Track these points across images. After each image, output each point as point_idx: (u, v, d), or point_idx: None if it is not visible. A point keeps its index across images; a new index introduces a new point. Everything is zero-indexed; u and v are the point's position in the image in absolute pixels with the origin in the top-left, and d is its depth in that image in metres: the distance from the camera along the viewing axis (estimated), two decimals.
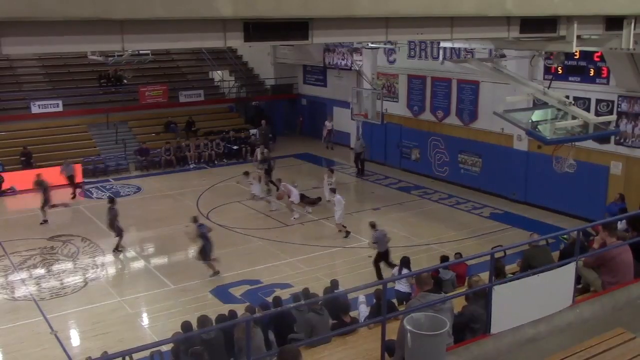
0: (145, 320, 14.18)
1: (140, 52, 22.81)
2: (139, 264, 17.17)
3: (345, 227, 18.33)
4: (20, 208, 20.09)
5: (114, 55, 23.53)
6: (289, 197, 20.11)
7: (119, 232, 17.41)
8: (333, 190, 19.30)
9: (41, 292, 15.17)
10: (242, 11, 8.04)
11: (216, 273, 15.71)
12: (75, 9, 6.96)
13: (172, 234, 18.41)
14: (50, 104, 27.54)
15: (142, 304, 14.67)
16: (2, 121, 26.22)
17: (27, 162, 24.78)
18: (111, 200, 17.77)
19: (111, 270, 16.98)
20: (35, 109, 27.16)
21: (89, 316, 14.06)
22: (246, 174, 21.56)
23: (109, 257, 17.46)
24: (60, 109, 27.59)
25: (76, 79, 29.65)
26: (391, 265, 14.92)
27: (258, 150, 24.78)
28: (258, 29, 8.46)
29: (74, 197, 22.64)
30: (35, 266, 16.68)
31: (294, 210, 20.28)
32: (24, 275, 16.25)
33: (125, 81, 30.02)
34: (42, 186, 19.79)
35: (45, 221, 19.66)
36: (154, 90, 29.60)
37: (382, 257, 15.12)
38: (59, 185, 22.17)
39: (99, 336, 12.88)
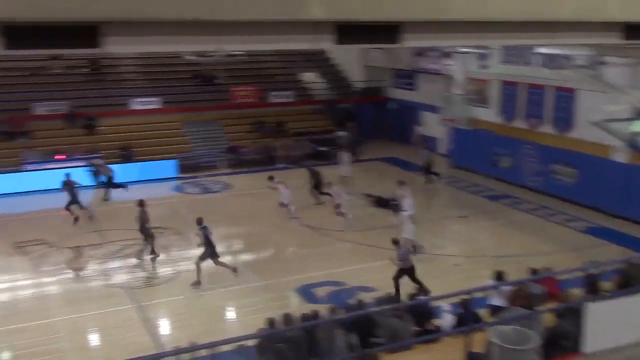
0: (230, 314, 14.59)
1: (234, 52, 23.48)
2: (226, 259, 17.59)
3: (414, 245, 16.73)
4: (117, 200, 21.11)
5: (209, 55, 24.33)
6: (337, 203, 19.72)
7: (149, 236, 16.99)
8: (395, 207, 18.10)
9: (133, 281, 15.87)
10: (334, 13, 8.10)
11: (197, 283, 15.27)
12: (178, 11, 7.23)
13: (260, 231, 18.69)
14: (149, 101, 28.92)
15: (228, 298, 15.05)
16: (104, 116, 27.66)
17: (126, 156, 26.05)
18: (141, 203, 17.04)
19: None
20: (134, 105, 28.55)
21: (177, 306, 14.60)
22: (270, 178, 21.08)
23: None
24: (158, 106, 28.91)
25: (172, 78, 30.83)
26: (417, 282, 14.20)
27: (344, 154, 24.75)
28: (349, 31, 8.50)
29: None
30: (129, 256, 17.45)
31: (343, 212, 19.75)
32: (118, 263, 17.08)
33: (221, 81, 30.89)
34: (69, 186, 19.86)
35: (76, 219, 19.70)
36: (245, 91, 30.38)
37: (407, 272, 14.40)
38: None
39: (185, 326, 13.34)
